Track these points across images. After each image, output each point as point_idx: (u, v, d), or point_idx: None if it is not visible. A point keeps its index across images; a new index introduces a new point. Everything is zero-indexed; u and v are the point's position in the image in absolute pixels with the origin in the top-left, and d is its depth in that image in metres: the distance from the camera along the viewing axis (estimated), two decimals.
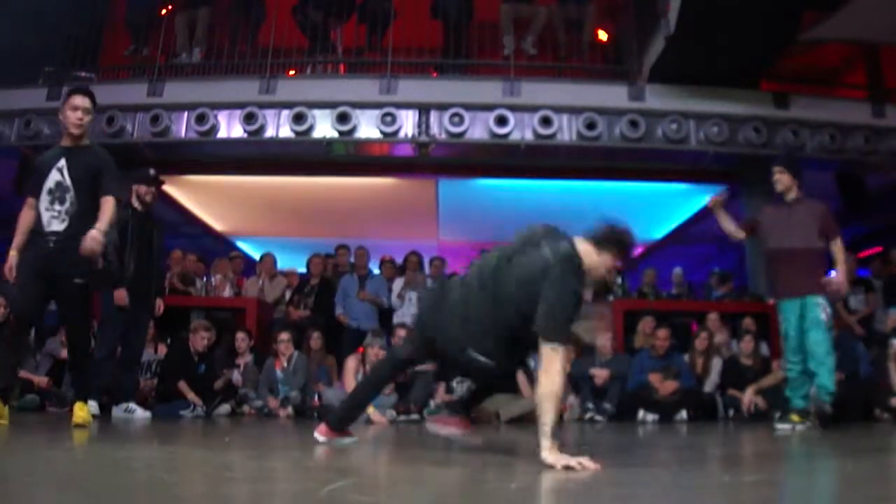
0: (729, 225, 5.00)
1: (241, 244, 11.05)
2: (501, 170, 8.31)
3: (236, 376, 6.12)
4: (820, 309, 4.59)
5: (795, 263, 4.70)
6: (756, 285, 7.55)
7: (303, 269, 7.87)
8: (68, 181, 3.80)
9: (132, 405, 5.00)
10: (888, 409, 5.51)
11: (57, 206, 3.78)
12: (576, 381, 6.10)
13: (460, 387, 5.86)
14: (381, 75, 7.49)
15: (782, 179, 4.84)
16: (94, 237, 3.70)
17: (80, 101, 3.85)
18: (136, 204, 5.20)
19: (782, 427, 4.61)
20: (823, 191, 8.03)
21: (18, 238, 3.80)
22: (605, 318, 3.13)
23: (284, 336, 6.10)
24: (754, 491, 2.02)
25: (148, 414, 5.02)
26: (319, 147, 7.46)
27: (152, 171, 5.37)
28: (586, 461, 2.36)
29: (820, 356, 4.55)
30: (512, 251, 2.84)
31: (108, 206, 3.81)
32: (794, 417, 4.62)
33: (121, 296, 4.91)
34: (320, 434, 3.12)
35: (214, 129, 7.29)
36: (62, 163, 3.83)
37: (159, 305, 5.28)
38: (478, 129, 7.26)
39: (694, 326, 7.05)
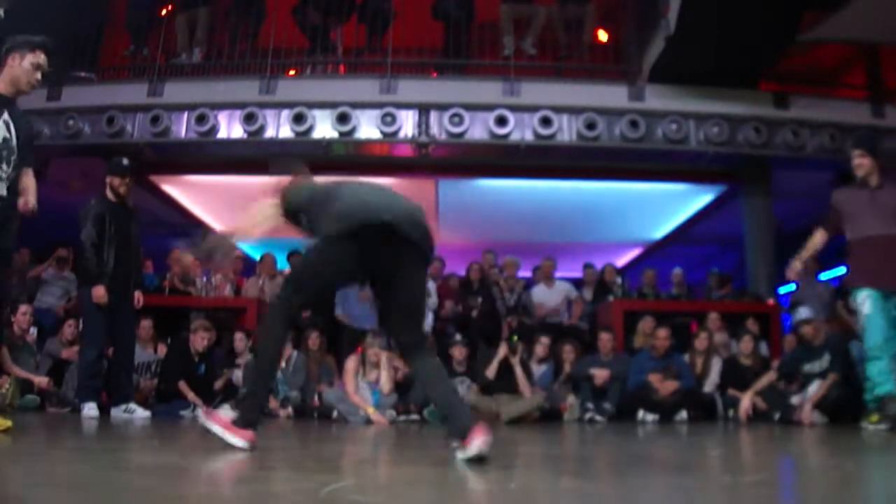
0: (814, 249, 4.67)
1: (240, 244, 11.05)
2: (501, 170, 8.31)
3: (237, 376, 6.11)
4: None
5: (889, 252, 4.35)
6: (756, 286, 7.55)
7: None
8: (14, 141, 3.31)
9: (132, 405, 4.98)
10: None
11: (4, 167, 3.26)
12: (576, 381, 6.10)
13: (461, 387, 5.87)
14: (381, 75, 7.50)
15: (863, 164, 4.49)
16: (34, 204, 3.37)
17: (45, 60, 3.36)
18: (110, 196, 5.03)
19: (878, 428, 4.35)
20: (823, 191, 8.04)
21: None
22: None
23: None
24: (754, 491, 2.02)
25: (148, 414, 5.01)
26: (319, 147, 7.46)
27: (126, 162, 5.15)
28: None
29: None
30: None
31: (33, 179, 3.45)
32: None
33: (99, 294, 4.78)
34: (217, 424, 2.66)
35: (214, 129, 7.30)
36: (6, 117, 3.31)
37: (138, 298, 5.13)
38: (478, 129, 7.26)
39: (694, 326, 7.06)
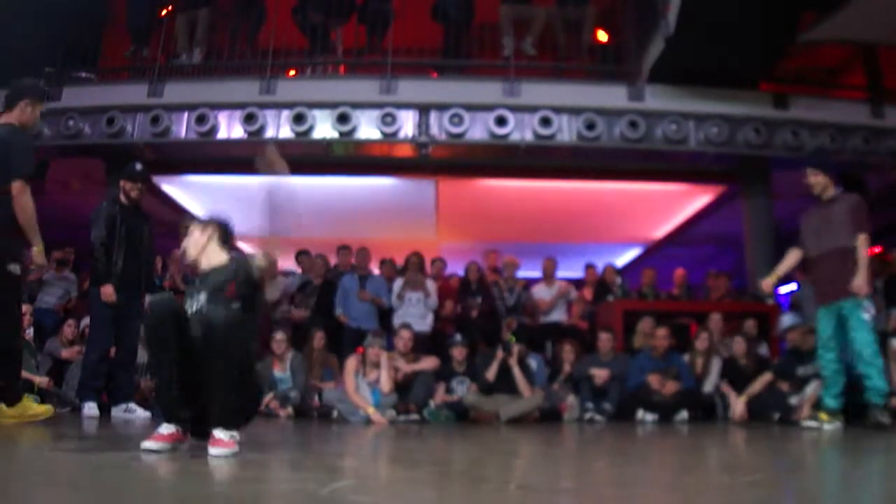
0: (786, 268, 4.94)
1: (241, 245, 11.04)
2: (501, 170, 8.31)
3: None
4: (862, 309, 4.46)
5: (832, 266, 4.58)
6: (756, 286, 7.55)
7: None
8: None
9: (132, 405, 4.99)
10: (888, 409, 5.51)
11: None
12: (576, 380, 6.11)
13: (460, 387, 5.88)
14: (381, 76, 7.50)
15: (818, 181, 4.68)
16: None
17: None
18: (123, 199, 5.11)
19: (808, 424, 4.61)
20: None
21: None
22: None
23: (280, 336, 6.09)
24: (753, 491, 2.03)
25: (148, 414, 5.01)
26: (319, 147, 7.47)
27: (139, 167, 5.22)
28: None
29: (868, 357, 4.44)
30: None
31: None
32: (823, 416, 4.60)
33: (108, 292, 4.85)
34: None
35: (214, 129, 7.30)
36: None
37: (148, 302, 5.21)
38: (478, 129, 7.27)
39: (694, 327, 7.06)
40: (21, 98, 3.84)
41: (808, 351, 5.52)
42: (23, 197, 3.71)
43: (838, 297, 4.55)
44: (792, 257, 4.90)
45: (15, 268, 3.74)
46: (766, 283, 4.87)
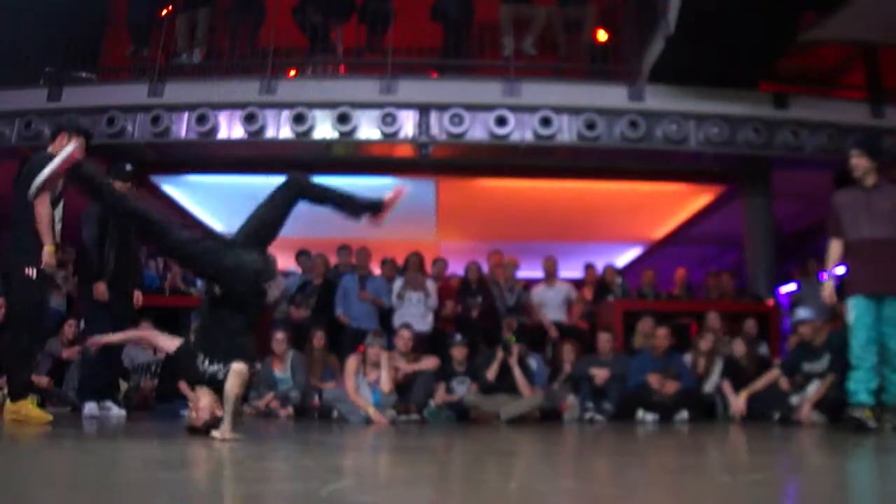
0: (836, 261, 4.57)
1: None
2: (501, 170, 8.31)
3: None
4: None
5: (878, 256, 4.36)
6: (756, 286, 7.55)
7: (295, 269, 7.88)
8: None
9: (108, 403, 4.92)
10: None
11: None
12: (576, 380, 6.11)
13: (460, 387, 5.88)
14: (381, 76, 7.50)
15: (860, 164, 4.50)
16: None
17: None
18: None
19: (863, 421, 4.29)
20: (823, 191, 8.05)
21: None
22: None
23: (279, 336, 6.09)
24: (753, 491, 2.03)
25: (123, 413, 4.94)
26: (320, 147, 7.47)
27: (129, 167, 5.22)
28: None
29: None
30: None
31: None
32: (868, 413, 4.32)
33: (100, 290, 4.83)
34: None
35: (215, 129, 7.31)
36: None
37: (138, 298, 5.18)
38: (478, 129, 7.27)
39: (694, 327, 7.05)
40: (60, 131, 4.22)
41: (818, 347, 5.49)
42: (38, 204, 3.92)
43: (886, 291, 4.34)
44: (836, 249, 4.57)
45: (31, 271, 3.94)
46: (828, 292, 4.53)
